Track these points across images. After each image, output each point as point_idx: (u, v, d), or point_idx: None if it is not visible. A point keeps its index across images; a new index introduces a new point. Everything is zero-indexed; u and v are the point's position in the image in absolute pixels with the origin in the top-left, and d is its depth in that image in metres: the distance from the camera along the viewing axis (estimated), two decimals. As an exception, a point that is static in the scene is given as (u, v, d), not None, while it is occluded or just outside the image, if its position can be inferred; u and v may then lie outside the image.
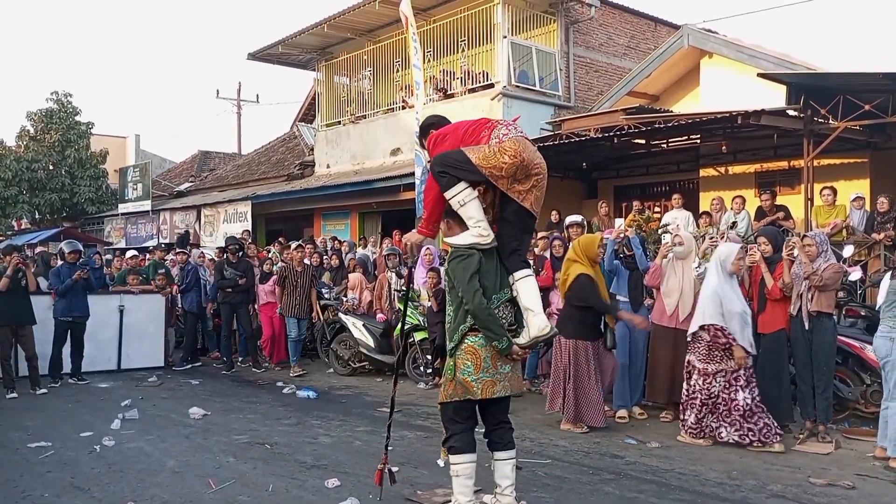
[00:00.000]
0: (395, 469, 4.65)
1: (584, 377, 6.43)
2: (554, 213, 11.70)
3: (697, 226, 10.15)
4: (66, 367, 9.36)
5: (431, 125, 4.37)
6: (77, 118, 24.95)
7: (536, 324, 3.97)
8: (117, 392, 8.78)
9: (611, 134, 10.81)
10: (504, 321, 3.99)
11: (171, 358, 10.93)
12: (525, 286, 4.05)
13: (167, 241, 19.89)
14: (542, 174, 4.04)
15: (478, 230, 4.02)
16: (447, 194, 4.04)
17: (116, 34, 79.75)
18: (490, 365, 3.96)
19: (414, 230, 4.42)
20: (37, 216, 25.10)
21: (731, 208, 10.11)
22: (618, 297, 7.11)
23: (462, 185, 4.01)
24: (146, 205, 21.50)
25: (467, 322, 3.95)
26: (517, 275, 4.06)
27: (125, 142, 29.65)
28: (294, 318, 10.02)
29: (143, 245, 20.18)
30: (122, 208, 22.71)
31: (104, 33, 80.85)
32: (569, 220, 9.58)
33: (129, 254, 12.90)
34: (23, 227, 25.58)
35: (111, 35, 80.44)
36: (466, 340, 3.98)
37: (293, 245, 11.59)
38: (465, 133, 4.11)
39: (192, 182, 24.15)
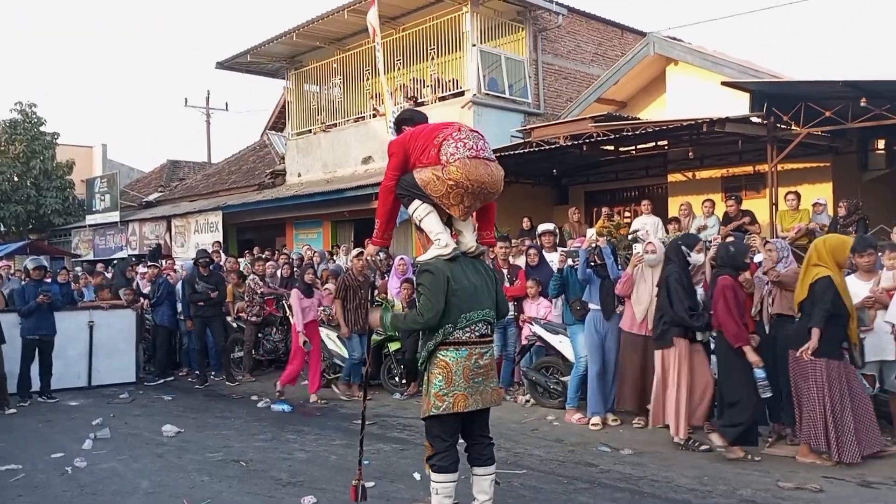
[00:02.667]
0: (370, 485, 4.66)
1: (839, 402, 5.50)
2: (526, 220, 11.81)
3: (667, 231, 10.30)
4: (35, 385, 9.21)
5: (404, 121, 4.42)
6: (42, 128, 24.56)
7: (468, 241, 4.22)
8: (88, 410, 8.66)
9: (580, 142, 10.94)
10: (476, 333, 4.04)
11: (142, 373, 10.80)
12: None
13: (136, 252, 19.66)
14: (493, 192, 4.10)
15: (438, 242, 4.10)
16: (409, 210, 4.19)
17: (82, 43, 78.63)
18: (461, 378, 3.99)
19: (371, 243, 4.50)
20: (2, 229, 24.64)
21: (702, 213, 10.29)
22: (590, 306, 7.19)
23: (417, 202, 4.12)
24: (114, 216, 21.23)
25: (438, 336, 3.98)
26: None
27: (92, 151, 29.26)
28: (357, 335, 9.11)
29: (112, 257, 19.94)
30: (90, 220, 22.39)
31: (69, 42, 79.67)
32: (541, 228, 9.69)
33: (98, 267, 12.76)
34: (-13, 240, 25.09)
35: (76, 44, 79.29)
36: (438, 354, 4.02)
37: (353, 252, 10.35)
38: (416, 145, 4.12)
39: (161, 192, 23.89)
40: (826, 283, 5.56)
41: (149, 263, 12.18)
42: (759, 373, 5.67)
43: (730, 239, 7.78)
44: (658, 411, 6.26)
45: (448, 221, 4.21)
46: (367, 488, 4.55)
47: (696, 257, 6.34)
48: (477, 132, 4.18)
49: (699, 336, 6.11)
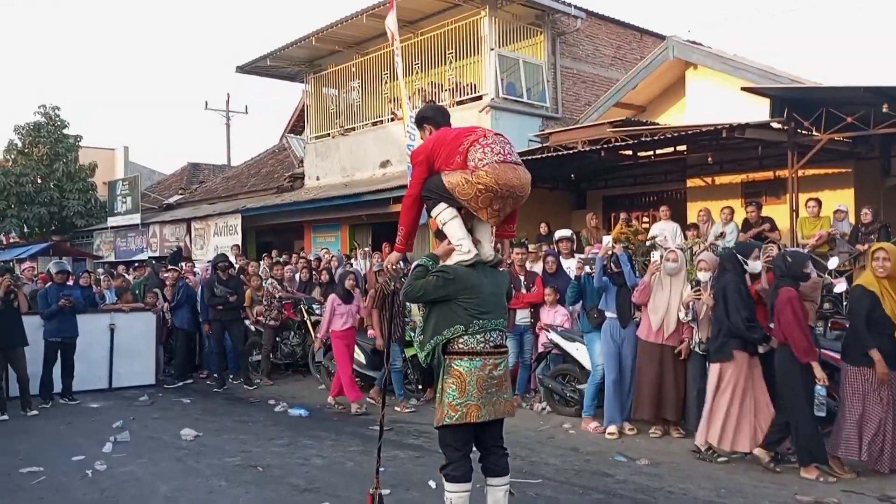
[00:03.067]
0: (385, 492, 4.68)
1: (875, 411, 5.51)
2: (543, 225, 11.79)
3: (685, 237, 10.24)
4: (57, 387, 9.34)
5: (426, 118, 4.38)
6: (65, 131, 24.90)
7: (487, 251, 4.18)
8: (108, 412, 8.77)
9: (598, 147, 10.90)
10: (491, 343, 4.05)
11: (161, 376, 10.91)
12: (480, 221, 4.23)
13: (157, 254, 19.88)
14: (522, 195, 4.09)
15: (460, 248, 4.10)
16: (433, 213, 4.17)
17: (105, 46, 79.61)
18: (475, 389, 3.99)
19: (393, 251, 4.45)
20: (25, 230, 25.01)
21: (721, 219, 10.20)
22: (606, 314, 7.17)
23: (443, 205, 4.11)
24: (135, 218, 21.47)
25: (446, 333, 3.99)
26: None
27: (114, 154, 29.60)
28: (398, 344, 8.82)
29: (133, 259, 20.17)
30: (112, 222, 22.66)
31: (92, 45, 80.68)
32: (558, 234, 9.66)
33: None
34: (11, 241, 25.48)
35: (100, 47, 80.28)
36: (452, 364, 4.02)
37: (375, 264, 9.64)
38: (440, 152, 4.10)
39: (181, 195, 24.13)
40: (859, 291, 5.58)
41: (168, 267, 12.29)
42: (821, 390, 5.47)
43: (790, 249, 7.65)
44: (710, 428, 5.98)
45: (469, 230, 4.21)
46: (384, 496, 4.57)
47: (754, 265, 6.14)
48: (502, 136, 4.16)
49: (760, 349, 5.93)
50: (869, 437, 5.40)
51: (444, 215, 4.11)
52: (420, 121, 4.40)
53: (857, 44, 54.04)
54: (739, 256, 6.13)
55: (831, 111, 9.15)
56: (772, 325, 5.83)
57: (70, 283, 9.88)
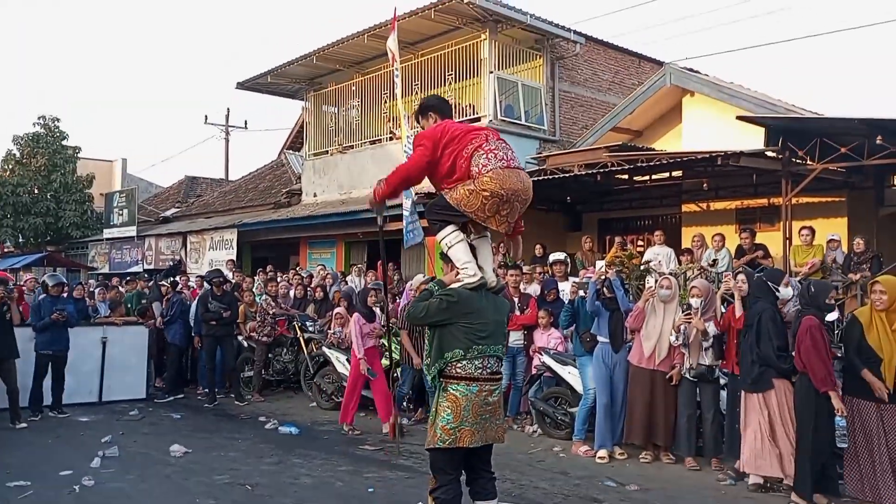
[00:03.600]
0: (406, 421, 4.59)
1: (865, 442, 5.55)
2: (538, 247, 11.81)
3: (679, 262, 10.28)
4: (47, 399, 9.29)
5: (431, 107, 4.39)
6: (64, 142, 24.95)
7: (490, 277, 4.19)
8: (98, 426, 8.71)
9: (594, 171, 10.97)
10: (488, 370, 4.06)
11: (152, 390, 10.86)
12: (483, 242, 4.29)
13: (152, 267, 19.86)
14: (526, 199, 4.12)
15: (465, 272, 4.11)
16: (438, 237, 4.18)
17: (106, 58, 79.98)
18: (470, 414, 4.00)
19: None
20: (20, 240, 24.98)
21: (713, 246, 10.26)
22: (598, 339, 7.19)
23: (450, 228, 4.13)
24: (131, 231, 21.46)
25: (445, 357, 4.01)
26: (473, 234, 4.26)
27: (112, 166, 29.64)
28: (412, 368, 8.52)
29: (128, 271, 20.14)
30: (108, 233, 22.65)
31: (94, 57, 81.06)
32: (552, 257, 9.68)
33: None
34: (6, 251, 25.44)
35: (101, 59, 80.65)
36: (449, 388, 4.03)
37: (417, 279, 8.78)
38: (445, 141, 4.09)
39: (178, 208, 24.15)
40: (849, 321, 5.69)
41: (161, 281, 12.27)
42: (841, 421, 5.41)
43: (813, 278, 7.70)
44: (757, 460, 5.88)
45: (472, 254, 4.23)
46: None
47: (785, 291, 6.13)
48: (503, 141, 4.18)
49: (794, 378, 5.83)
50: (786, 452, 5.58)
51: (449, 238, 4.13)
52: (424, 109, 4.40)
53: (851, 75, 54.62)
54: (770, 284, 6.11)
55: (825, 141, 9.24)
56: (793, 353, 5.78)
57: (64, 294, 9.87)
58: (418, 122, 4.51)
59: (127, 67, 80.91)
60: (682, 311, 6.84)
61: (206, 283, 11.27)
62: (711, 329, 6.65)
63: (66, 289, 9.97)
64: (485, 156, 4.02)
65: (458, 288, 4.09)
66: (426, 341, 4.20)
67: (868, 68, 54.51)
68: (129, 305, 11.95)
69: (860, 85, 52.37)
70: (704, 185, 11.60)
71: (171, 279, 12.04)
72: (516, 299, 8.64)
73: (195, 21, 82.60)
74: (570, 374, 7.75)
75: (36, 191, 24.22)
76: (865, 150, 9.01)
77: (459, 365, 4.00)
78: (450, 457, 4.04)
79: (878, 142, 8.64)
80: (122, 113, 74.28)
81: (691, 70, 13.24)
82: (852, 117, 8.92)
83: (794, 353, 5.71)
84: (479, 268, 4.17)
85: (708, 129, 12.21)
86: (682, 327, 6.73)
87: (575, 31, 14.38)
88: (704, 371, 6.69)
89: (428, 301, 4.06)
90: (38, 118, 24.83)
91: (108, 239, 22.58)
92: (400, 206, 12.43)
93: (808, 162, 9.58)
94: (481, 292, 4.11)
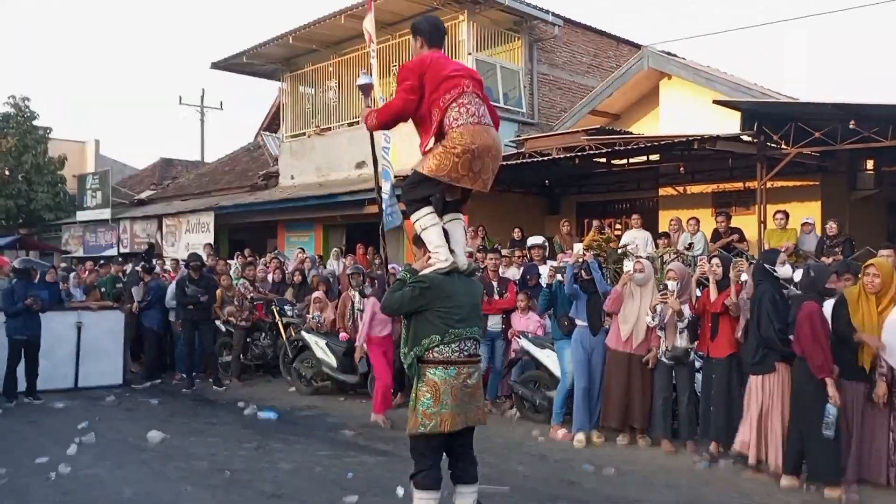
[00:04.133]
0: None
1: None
2: (517, 230, 11.83)
3: (656, 246, 10.37)
4: (21, 385, 9.19)
5: (420, 31, 4.32)
6: (35, 123, 24.47)
7: (462, 260, 4.21)
8: (74, 412, 8.63)
9: (573, 155, 11.00)
10: (465, 353, 4.09)
11: (129, 375, 10.76)
12: (455, 225, 4.30)
13: (127, 250, 19.63)
14: (497, 155, 4.16)
15: (436, 256, 4.12)
16: (412, 217, 4.17)
17: (77, 37, 78.32)
18: (450, 397, 4.02)
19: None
20: (-8, 222, 24.54)
21: (687, 230, 10.36)
22: (577, 322, 7.24)
23: (426, 210, 4.14)
24: (105, 213, 21.17)
25: (423, 344, 4.02)
26: (448, 216, 4.27)
27: (84, 147, 29.13)
28: None
29: (102, 254, 19.89)
30: (81, 216, 22.32)
31: (64, 36, 79.34)
32: (531, 241, 9.69)
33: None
34: (-23, 233, 24.98)
35: (72, 38, 78.97)
36: (427, 372, 4.05)
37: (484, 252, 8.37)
38: (430, 77, 4.07)
39: (153, 190, 23.84)
40: (838, 301, 5.74)
41: (141, 265, 12.11)
42: (832, 409, 5.35)
43: (813, 262, 7.72)
44: (752, 442, 5.85)
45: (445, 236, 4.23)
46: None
47: (783, 270, 6.01)
48: (477, 94, 4.14)
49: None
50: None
51: (423, 221, 4.13)
52: (413, 30, 4.35)
53: (824, 60, 55.13)
54: (767, 266, 6.04)
55: (800, 126, 9.34)
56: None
57: (36, 280, 9.73)
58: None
59: (99, 48, 79.35)
60: (659, 293, 6.91)
61: (183, 267, 11.16)
62: (687, 311, 6.73)
63: (36, 272, 9.81)
64: (457, 109, 4.03)
65: (430, 273, 4.09)
66: (402, 329, 4.21)
67: (841, 53, 55.06)
68: (103, 290, 11.82)
69: (833, 70, 52.91)
70: (681, 168, 11.70)
71: (145, 264, 11.86)
72: (495, 283, 8.66)
73: (168, 1, 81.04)
74: (548, 357, 7.81)
75: (7, 172, 23.76)
76: (839, 134, 9.13)
77: (436, 349, 4.02)
78: (431, 441, 4.07)
79: (850, 126, 8.76)
80: (94, 94, 72.91)
81: (669, 53, 13.28)
82: (826, 102, 9.03)
83: (792, 338, 5.67)
84: (451, 251, 4.19)
85: (685, 113, 12.28)
86: (658, 307, 6.79)
87: (553, 13, 14.34)
88: (680, 354, 6.77)
89: (401, 290, 4.06)
90: (8, 97, 24.34)
91: (81, 222, 22.25)
92: (378, 189, 12.39)
93: (783, 146, 9.69)
94: (454, 276, 4.13)
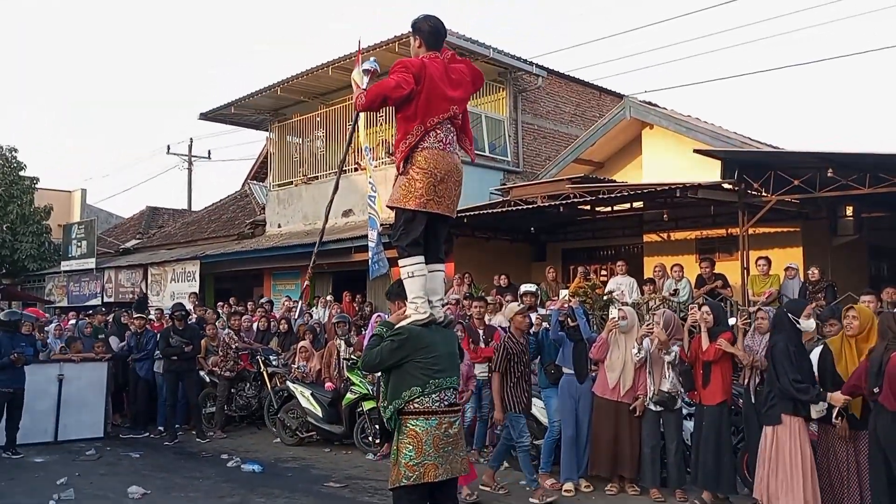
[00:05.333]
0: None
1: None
2: (503, 277, 11.87)
3: (642, 292, 10.43)
4: (0, 439, 9.00)
5: (419, 31, 4.26)
6: (21, 173, 24.45)
7: (438, 312, 4.19)
8: (53, 467, 8.46)
9: (557, 203, 11.12)
10: (446, 402, 4.06)
11: (109, 428, 10.57)
12: (435, 276, 4.26)
13: (112, 300, 19.45)
14: (459, 178, 4.16)
15: (414, 306, 4.12)
16: (401, 262, 4.17)
17: (66, 87, 78.91)
18: (432, 448, 3.98)
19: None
20: (-26, 273, 24.27)
21: (671, 276, 10.43)
22: (563, 370, 7.23)
23: (417, 258, 4.13)
24: (90, 262, 21.01)
25: (404, 396, 3.99)
26: (430, 267, 4.21)
27: (71, 196, 29.04)
28: (520, 414, 6.96)
29: (86, 304, 19.70)
30: (65, 266, 22.14)
31: (53, 85, 79.89)
32: (523, 288, 9.45)
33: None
34: (-41, 284, 24.67)
35: (61, 87, 79.52)
36: (408, 424, 4.01)
37: (510, 307, 7.52)
38: (428, 95, 4.05)
39: (139, 239, 23.75)
40: (822, 351, 5.80)
41: (135, 315, 12.02)
42: None
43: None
44: (765, 495, 5.69)
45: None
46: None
47: (807, 324, 5.86)
48: (448, 122, 4.14)
49: (813, 413, 5.54)
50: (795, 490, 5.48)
51: (412, 269, 4.12)
52: (413, 30, 4.32)
53: (801, 109, 56.45)
54: (791, 316, 5.84)
55: (779, 174, 9.51)
56: (876, 390, 5.25)
57: (24, 331, 9.63)
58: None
59: (87, 96, 79.91)
60: (644, 326, 6.96)
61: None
62: (675, 351, 6.76)
63: (23, 326, 9.70)
64: (433, 132, 4.07)
65: (407, 325, 4.09)
66: (381, 382, 4.17)
67: (818, 102, 56.40)
68: (98, 336, 11.60)
69: (810, 119, 54.12)
70: (665, 215, 11.84)
71: (139, 314, 11.78)
72: (481, 331, 8.64)
73: (158, 51, 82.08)
74: (535, 406, 7.76)
75: (-9, 223, 23.61)
76: (818, 182, 9.29)
77: (417, 401, 3.99)
78: (414, 493, 4.00)
79: (829, 174, 8.92)
80: (83, 143, 73.17)
81: (650, 103, 13.56)
82: (804, 151, 9.23)
83: (875, 390, 5.20)
84: (430, 302, 4.19)
85: (667, 161, 12.49)
86: (644, 341, 6.82)
87: (537, 65, 14.65)
88: (666, 399, 6.77)
89: (380, 346, 4.06)
90: (-5, 148, 24.30)
91: (66, 271, 22.07)
92: (366, 237, 12.45)
93: (764, 194, 9.84)
94: (431, 326, 4.12)
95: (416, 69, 4.09)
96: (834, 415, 5.48)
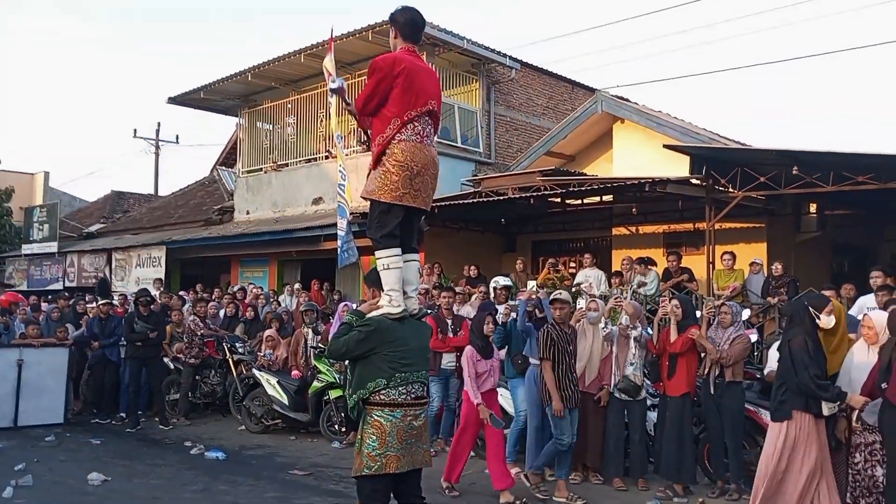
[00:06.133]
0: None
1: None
2: (473, 268, 11.89)
3: (610, 285, 10.52)
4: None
5: (396, 22, 4.23)
6: (-19, 154, 23.86)
7: (412, 304, 4.18)
8: (11, 453, 8.28)
9: (528, 195, 11.16)
10: (412, 395, 4.04)
11: (70, 414, 10.40)
12: (410, 266, 4.23)
13: (74, 284, 19.09)
14: (435, 172, 4.16)
15: (388, 299, 4.09)
16: (378, 254, 4.13)
17: (31, 67, 77.00)
18: (395, 440, 3.97)
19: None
20: (-69, 255, 23.66)
21: (639, 269, 10.52)
22: (530, 360, 7.26)
23: (394, 251, 4.10)
24: (52, 246, 20.60)
25: (368, 387, 3.97)
26: (404, 257, 4.18)
27: (33, 179, 28.42)
28: (572, 406, 6.56)
29: (47, 288, 19.31)
30: (26, 249, 21.68)
31: (17, 65, 77.91)
32: (500, 282, 9.35)
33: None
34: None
35: (26, 67, 77.59)
36: (373, 414, 3.99)
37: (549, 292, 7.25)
38: (401, 92, 4.04)
39: (103, 223, 23.32)
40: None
41: (100, 301, 11.80)
42: None
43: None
44: (769, 494, 5.39)
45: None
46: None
47: (827, 320, 5.52)
48: (428, 115, 4.13)
49: (824, 410, 5.31)
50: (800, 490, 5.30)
51: (388, 261, 4.08)
52: (391, 21, 4.28)
53: (769, 106, 57.38)
54: (812, 310, 5.55)
55: (746, 171, 9.66)
56: (884, 385, 5.19)
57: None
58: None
59: (54, 77, 78.08)
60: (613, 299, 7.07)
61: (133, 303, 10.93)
62: (639, 328, 6.88)
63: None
64: (410, 125, 4.04)
65: (377, 316, 4.07)
66: (348, 370, 4.15)
67: (784, 101, 57.35)
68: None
69: (778, 117, 55.02)
70: (634, 209, 11.95)
71: (104, 300, 11.56)
72: (449, 321, 8.66)
73: (128, 34, 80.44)
74: (501, 396, 7.79)
75: (-50, 204, 23.04)
76: (783, 179, 9.46)
77: (383, 392, 3.97)
78: (377, 484, 3.99)
79: (794, 172, 9.08)
80: (46, 124, 71.55)
81: (622, 98, 13.65)
82: (770, 149, 9.38)
83: (883, 386, 5.16)
84: (404, 294, 4.16)
85: (637, 155, 12.59)
86: (610, 326, 6.98)
87: (510, 57, 14.65)
88: (630, 386, 6.85)
89: (347, 335, 4.02)
90: (-45, 127, 23.71)
91: (26, 255, 21.62)
92: (335, 225, 12.36)
93: (730, 190, 9.98)
94: (405, 321, 4.08)
95: (389, 68, 4.06)
96: (854, 417, 5.35)
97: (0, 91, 67.62)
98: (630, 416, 6.95)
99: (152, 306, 10.50)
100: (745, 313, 8.55)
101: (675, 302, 6.99)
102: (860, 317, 6.62)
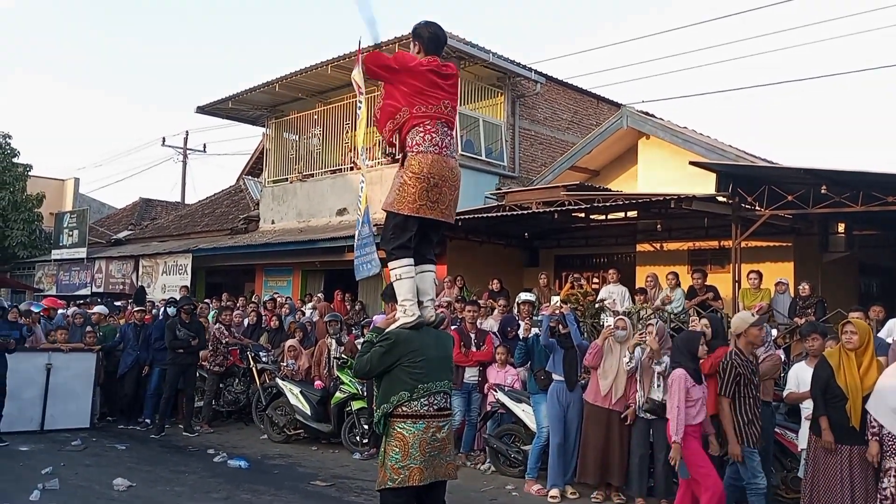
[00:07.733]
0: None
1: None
2: (496, 281, 11.87)
3: (633, 301, 10.47)
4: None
5: (419, 36, 4.22)
6: (15, 160, 24.33)
7: (428, 313, 4.14)
8: (38, 457, 8.41)
9: (552, 209, 11.16)
10: (435, 406, 4.06)
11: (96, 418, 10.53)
12: (425, 277, 4.20)
13: (101, 290, 19.37)
14: (455, 183, 4.10)
15: (402, 309, 4.11)
16: (390, 265, 4.15)
17: (65, 75, 78.51)
18: (418, 451, 3.97)
19: None
20: (-36, 259, 24.13)
21: (666, 284, 10.46)
22: (553, 376, 7.25)
23: (407, 261, 4.12)
24: (81, 252, 20.92)
25: (392, 400, 3.99)
26: (419, 268, 4.15)
27: (64, 185, 28.89)
28: (753, 449, 5.86)
29: (75, 293, 19.60)
30: (56, 254, 22.04)
31: (50, 73, 79.49)
32: (523, 297, 9.32)
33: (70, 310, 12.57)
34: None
35: (58, 75, 79.13)
36: (396, 426, 4.00)
37: (745, 319, 6.08)
38: (413, 98, 4.01)
39: (131, 230, 23.67)
40: (819, 363, 5.73)
41: (136, 308, 11.96)
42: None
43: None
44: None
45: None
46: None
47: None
48: (445, 123, 4.09)
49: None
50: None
51: (401, 271, 4.09)
52: (413, 35, 4.28)
53: (798, 124, 56.79)
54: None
55: (773, 189, 9.58)
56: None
57: (12, 318, 9.59)
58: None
59: (84, 85, 79.54)
60: (637, 334, 6.98)
61: (173, 310, 11.05)
62: (666, 360, 6.79)
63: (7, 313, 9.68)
64: (422, 134, 4.00)
65: (395, 329, 4.09)
66: (374, 385, 4.16)
67: (815, 118, 56.75)
68: (101, 335, 11.43)
69: (806, 135, 54.44)
70: (658, 226, 11.89)
71: (139, 307, 11.73)
72: (472, 335, 8.66)
73: (158, 42, 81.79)
74: (523, 411, 7.78)
75: (-18, 209, 23.48)
76: (811, 198, 9.36)
77: (405, 405, 3.98)
78: (399, 497, 4.00)
79: (822, 191, 8.99)
80: (77, 132, 72.79)
81: (647, 114, 13.62)
82: (798, 167, 9.28)
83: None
84: (419, 303, 4.16)
85: (662, 172, 12.54)
86: (636, 350, 6.84)
87: (536, 71, 14.70)
88: (656, 407, 6.79)
89: (370, 352, 4.04)
90: (-11, 134, 24.19)
91: (56, 260, 21.97)
92: (353, 237, 12.43)
93: (757, 208, 9.90)
94: (422, 329, 4.10)
95: (401, 61, 4.04)
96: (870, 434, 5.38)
97: (32, 98, 68.96)
98: (655, 434, 6.88)
99: (194, 314, 10.60)
100: (772, 333, 8.49)
101: (704, 321, 6.94)
102: (889, 339, 6.54)
